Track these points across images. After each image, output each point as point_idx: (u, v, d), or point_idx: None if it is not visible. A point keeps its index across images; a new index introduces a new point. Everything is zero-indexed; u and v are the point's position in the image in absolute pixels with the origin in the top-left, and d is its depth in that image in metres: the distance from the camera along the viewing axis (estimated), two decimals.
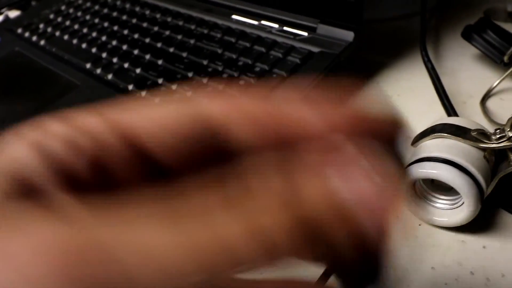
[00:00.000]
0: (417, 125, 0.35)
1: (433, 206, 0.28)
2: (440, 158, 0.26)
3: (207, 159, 0.12)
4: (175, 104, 0.12)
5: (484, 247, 0.27)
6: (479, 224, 0.28)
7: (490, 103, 0.38)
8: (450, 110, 0.35)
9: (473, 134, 0.26)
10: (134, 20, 0.52)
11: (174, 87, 0.39)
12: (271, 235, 0.09)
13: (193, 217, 0.09)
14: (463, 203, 0.26)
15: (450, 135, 0.27)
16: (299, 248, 0.10)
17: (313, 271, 0.13)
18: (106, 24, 0.53)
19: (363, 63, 0.46)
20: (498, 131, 0.26)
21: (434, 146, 0.27)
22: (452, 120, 0.29)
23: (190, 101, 0.12)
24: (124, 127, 0.11)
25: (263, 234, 0.09)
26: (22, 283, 0.07)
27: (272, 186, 0.10)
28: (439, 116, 0.37)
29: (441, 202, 0.28)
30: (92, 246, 0.08)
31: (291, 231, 0.09)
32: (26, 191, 0.10)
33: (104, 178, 0.11)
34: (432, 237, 0.28)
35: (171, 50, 0.45)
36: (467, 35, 0.41)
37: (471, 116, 0.37)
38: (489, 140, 0.26)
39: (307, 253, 0.10)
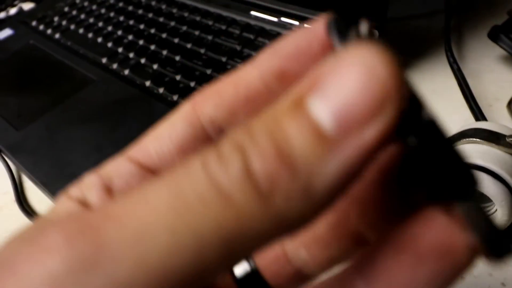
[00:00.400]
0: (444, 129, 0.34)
1: None
2: (474, 164, 0.25)
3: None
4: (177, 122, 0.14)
5: None
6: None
7: None
8: (478, 114, 0.34)
9: (509, 140, 0.25)
10: (150, 15, 0.51)
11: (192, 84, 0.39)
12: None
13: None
14: (496, 211, 0.25)
15: (482, 141, 0.26)
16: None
17: None
18: (121, 18, 0.52)
19: None
20: None
21: (466, 151, 0.26)
22: (484, 125, 0.28)
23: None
24: (142, 162, 0.14)
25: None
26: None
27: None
28: (465, 119, 0.36)
29: None
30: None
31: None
32: None
33: None
34: None
35: (189, 46, 0.44)
36: (494, 36, 0.40)
37: (498, 120, 0.36)
38: None
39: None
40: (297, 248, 0.13)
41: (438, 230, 0.10)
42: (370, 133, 0.08)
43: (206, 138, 0.13)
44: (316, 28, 0.12)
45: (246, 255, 0.09)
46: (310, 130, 0.08)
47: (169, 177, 0.09)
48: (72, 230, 0.09)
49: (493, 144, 0.26)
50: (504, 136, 0.26)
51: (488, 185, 0.24)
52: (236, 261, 0.09)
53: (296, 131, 0.08)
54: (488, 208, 0.27)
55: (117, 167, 0.14)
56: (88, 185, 0.13)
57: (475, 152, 0.26)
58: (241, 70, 0.13)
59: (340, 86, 0.08)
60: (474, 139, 0.27)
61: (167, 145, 0.13)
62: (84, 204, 0.13)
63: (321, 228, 0.13)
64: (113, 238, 0.09)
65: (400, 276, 0.10)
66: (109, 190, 0.13)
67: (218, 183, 0.08)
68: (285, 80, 0.12)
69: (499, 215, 0.25)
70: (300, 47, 0.12)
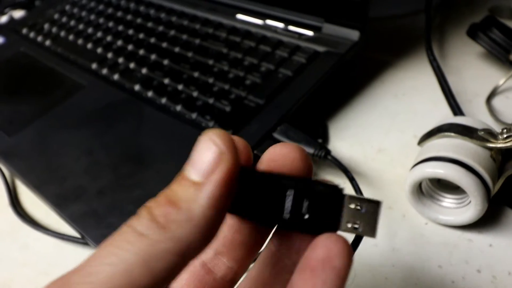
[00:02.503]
0: (423, 124, 0.35)
1: (440, 205, 0.29)
2: (447, 157, 0.26)
3: None
4: None
5: (490, 245, 0.27)
6: (486, 222, 0.28)
7: (496, 101, 0.38)
8: (456, 109, 0.35)
9: (480, 133, 0.27)
10: (139, 20, 0.52)
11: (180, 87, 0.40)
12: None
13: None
14: (469, 202, 0.27)
15: (457, 135, 0.27)
16: None
17: None
18: (111, 24, 0.53)
19: (368, 62, 0.46)
20: (505, 130, 0.26)
21: (441, 145, 0.27)
22: (459, 120, 0.29)
23: None
24: None
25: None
26: None
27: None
28: (444, 115, 0.37)
29: (448, 201, 0.28)
30: None
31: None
32: None
33: None
34: (439, 236, 0.28)
35: (177, 50, 0.45)
36: (473, 33, 0.41)
37: (476, 115, 0.37)
38: (496, 140, 0.26)
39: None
40: (215, 257, 0.18)
41: (319, 249, 0.14)
42: (219, 173, 0.14)
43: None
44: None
45: (167, 271, 0.13)
46: (185, 182, 0.14)
47: (107, 241, 0.13)
48: None
49: (467, 138, 0.27)
50: (477, 130, 0.27)
51: (461, 177, 0.25)
52: (163, 275, 0.13)
53: (177, 185, 0.14)
54: (463, 200, 0.28)
55: None
56: None
57: (449, 145, 0.27)
58: None
59: (196, 153, 0.14)
60: (449, 133, 0.28)
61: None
62: None
63: (227, 232, 0.18)
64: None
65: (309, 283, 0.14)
66: None
67: (135, 228, 0.13)
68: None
69: (472, 205, 0.26)
70: None
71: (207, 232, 0.14)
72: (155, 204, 0.14)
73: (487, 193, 0.26)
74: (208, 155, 0.14)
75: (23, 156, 0.37)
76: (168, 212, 0.13)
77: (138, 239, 0.13)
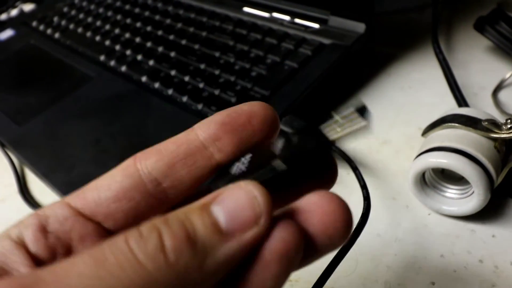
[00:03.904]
0: (428, 117, 0.35)
1: (443, 195, 0.29)
2: (451, 147, 0.26)
3: (149, 208, 0.15)
4: (120, 173, 0.15)
5: (493, 236, 0.27)
6: (489, 213, 0.28)
7: (502, 94, 0.38)
8: (461, 101, 0.35)
9: (484, 124, 0.27)
10: (146, 13, 0.53)
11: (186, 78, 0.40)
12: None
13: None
14: (473, 192, 0.27)
15: (460, 125, 0.27)
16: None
17: None
18: (119, 17, 0.54)
19: (375, 55, 0.46)
20: (509, 121, 0.26)
21: (445, 136, 0.28)
22: (463, 111, 0.29)
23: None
24: (78, 208, 0.15)
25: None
26: None
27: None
28: (450, 108, 0.37)
29: (451, 192, 0.29)
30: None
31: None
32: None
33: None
34: (442, 226, 0.28)
35: (183, 42, 0.45)
36: (480, 27, 0.41)
37: (482, 108, 0.37)
38: (500, 130, 0.26)
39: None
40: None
41: (273, 242, 0.13)
42: (249, 236, 0.12)
43: (143, 188, 0.15)
44: (249, 108, 0.16)
45: None
46: (211, 224, 0.12)
47: (95, 250, 0.11)
48: None
49: (470, 128, 0.27)
50: (481, 120, 0.27)
51: (464, 167, 0.25)
52: None
53: (201, 223, 0.12)
54: (466, 190, 0.28)
55: (55, 211, 0.15)
56: (26, 225, 0.15)
57: (453, 136, 0.27)
58: (183, 133, 0.16)
59: (233, 201, 0.13)
60: (453, 123, 0.28)
61: (105, 193, 0.15)
62: (20, 243, 0.14)
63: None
64: None
65: (260, 276, 0.13)
66: (44, 230, 0.15)
67: (136, 255, 0.11)
68: (219, 140, 0.16)
69: (475, 195, 0.26)
70: (233, 118, 0.16)
71: (211, 279, 0.12)
72: (169, 232, 0.12)
73: (490, 184, 0.26)
74: (247, 211, 0.12)
75: (32, 145, 0.38)
76: (182, 249, 0.12)
77: (134, 268, 0.11)
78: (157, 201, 0.15)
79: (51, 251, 0.14)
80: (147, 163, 0.15)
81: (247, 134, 0.16)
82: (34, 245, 0.14)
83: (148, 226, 0.12)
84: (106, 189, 0.15)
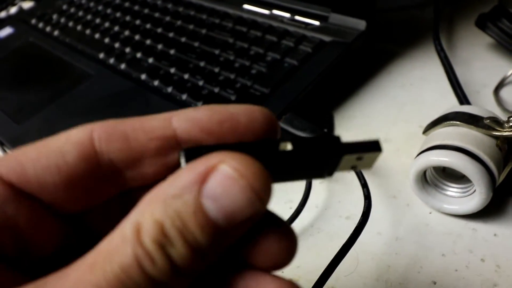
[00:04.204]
0: (429, 115, 0.35)
1: (444, 194, 0.28)
2: (452, 146, 0.26)
3: (101, 191, 0.13)
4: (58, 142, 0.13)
5: (495, 234, 0.27)
6: (490, 212, 0.28)
7: (504, 92, 0.38)
8: (463, 99, 0.35)
9: (486, 122, 0.26)
10: (146, 10, 0.52)
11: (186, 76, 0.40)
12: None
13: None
14: (474, 191, 0.26)
15: (462, 123, 0.27)
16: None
17: None
18: (118, 15, 0.53)
19: (375, 52, 0.45)
20: (511, 118, 0.26)
21: (446, 134, 0.27)
22: (465, 108, 0.29)
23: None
24: (15, 184, 0.13)
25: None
26: None
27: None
28: (451, 105, 0.37)
29: (452, 190, 0.28)
30: None
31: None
32: None
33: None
34: (443, 225, 0.28)
35: (183, 39, 0.45)
36: (481, 24, 0.40)
37: (484, 106, 0.36)
38: (502, 128, 0.26)
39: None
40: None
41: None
42: (245, 227, 0.12)
43: (100, 175, 0.13)
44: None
45: None
46: (211, 232, 0.11)
47: (99, 267, 0.11)
48: None
49: (472, 126, 0.27)
50: (482, 118, 0.27)
51: (466, 165, 0.25)
52: None
53: (200, 233, 0.11)
54: (467, 189, 0.28)
55: None
56: None
57: (455, 134, 0.27)
58: (157, 120, 0.13)
59: (227, 191, 0.11)
60: (454, 121, 0.28)
61: (53, 176, 0.12)
62: None
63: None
64: None
65: None
66: None
67: (142, 264, 0.11)
68: (197, 143, 0.13)
69: (477, 194, 0.26)
70: (216, 123, 0.13)
71: (210, 262, 0.12)
72: (175, 252, 0.11)
73: (492, 182, 0.25)
74: (246, 209, 0.11)
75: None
76: (189, 263, 0.11)
77: (144, 282, 0.11)
78: (113, 185, 0.13)
79: None
80: (109, 148, 0.13)
81: (231, 141, 0.13)
82: None
83: (152, 243, 0.11)
84: (54, 171, 0.12)
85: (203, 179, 0.11)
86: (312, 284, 0.24)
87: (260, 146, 0.13)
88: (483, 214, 0.28)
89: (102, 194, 0.14)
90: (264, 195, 0.11)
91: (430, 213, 0.29)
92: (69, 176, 0.13)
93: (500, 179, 0.27)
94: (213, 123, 0.13)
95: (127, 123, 0.13)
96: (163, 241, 0.11)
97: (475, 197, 0.26)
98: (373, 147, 0.15)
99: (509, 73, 0.38)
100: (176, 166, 0.13)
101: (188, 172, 0.11)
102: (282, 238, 0.13)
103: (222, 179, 0.11)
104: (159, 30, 0.48)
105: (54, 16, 0.57)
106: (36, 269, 0.13)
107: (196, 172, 0.11)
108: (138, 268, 0.11)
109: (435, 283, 0.25)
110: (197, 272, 0.12)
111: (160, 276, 0.11)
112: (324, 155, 0.13)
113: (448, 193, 0.28)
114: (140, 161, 0.13)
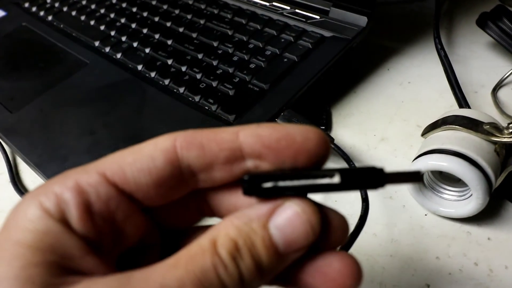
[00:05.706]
0: (427, 114, 0.35)
1: (441, 197, 0.29)
2: (451, 150, 0.26)
3: (181, 190, 0.16)
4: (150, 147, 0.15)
5: (489, 238, 0.28)
6: (485, 215, 0.28)
7: (502, 93, 0.38)
8: (462, 101, 0.35)
9: (486, 127, 0.26)
10: None
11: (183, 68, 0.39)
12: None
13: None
14: (471, 195, 0.27)
15: (461, 128, 0.27)
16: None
17: None
18: (114, 1, 0.52)
19: (374, 48, 0.45)
20: (510, 125, 0.26)
21: (445, 138, 0.27)
22: (465, 112, 0.29)
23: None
24: (118, 185, 0.15)
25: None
26: None
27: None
28: (449, 105, 0.37)
29: (449, 193, 0.28)
30: None
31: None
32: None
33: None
34: (438, 228, 0.28)
35: (181, 30, 0.44)
36: (482, 23, 0.40)
37: (482, 106, 0.36)
38: (501, 134, 0.26)
39: None
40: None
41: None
42: (299, 254, 0.15)
43: (180, 177, 0.16)
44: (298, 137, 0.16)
45: None
46: (273, 252, 0.14)
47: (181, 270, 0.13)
48: None
49: (472, 131, 0.27)
50: (482, 123, 0.27)
51: (464, 171, 0.25)
52: None
53: (265, 253, 0.14)
54: (464, 193, 0.28)
55: (94, 186, 0.15)
56: (66, 202, 0.14)
57: (454, 138, 0.27)
58: (226, 133, 0.16)
59: (290, 226, 0.14)
60: (454, 125, 0.28)
61: (146, 177, 0.15)
62: (65, 223, 0.14)
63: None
64: None
65: None
66: (89, 211, 0.14)
67: (219, 274, 0.13)
68: (260, 159, 0.16)
69: (474, 199, 0.26)
70: (283, 145, 0.15)
71: (266, 281, 0.15)
72: (244, 266, 0.14)
73: (489, 187, 0.26)
74: (302, 239, 0.14)
75: (25, 134, 0.37)
76: (253, 272, 0.14)
77: (216, 284, 0.13)
78: (188, 185, 0.16)
79: (97, 233, 0.14)
80: (188, 155, 0.15)
81: (292, 162, 0.15)
82: (81, 227, 0.14)
83: (227, 255, 0.14)
84: (147, 173, 0.15)
85: (271, 212, 0.15)
86: None
87: (308, 176, 0.15)
88: (477, 218, 0.28)
89: (179, 192, 0.16)
90: (317, 228, 0.14)
91: (426, 215, 0.29)
92: (158, 177, 0.15)
93: (496, 184, 0.27)
94: (272, 140, 0.15)
95: (203, 134, 0.16)
96: (235, 254, 0.14)
97: (471, 201, 0.26)
98: (415, 178, 0.15)
99: (507, 74, 0.38)
100: (239, 175, 0.16)
101: (259, 206, 0.15)
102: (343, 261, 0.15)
103: (289, 213, 0.14)
104: (156, 19, 0.47)
105: (48, 0, 0.56)
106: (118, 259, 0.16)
107: (266, 207, 0.15)
108: (214, 272, 0.13)
109: (428, 286, 0.26)
110: None
111: (229, 281, 0.13)
112: (370, 187, 0.15)
113: (445, 196, 0.28)
114: (211, 167, 0.16)
